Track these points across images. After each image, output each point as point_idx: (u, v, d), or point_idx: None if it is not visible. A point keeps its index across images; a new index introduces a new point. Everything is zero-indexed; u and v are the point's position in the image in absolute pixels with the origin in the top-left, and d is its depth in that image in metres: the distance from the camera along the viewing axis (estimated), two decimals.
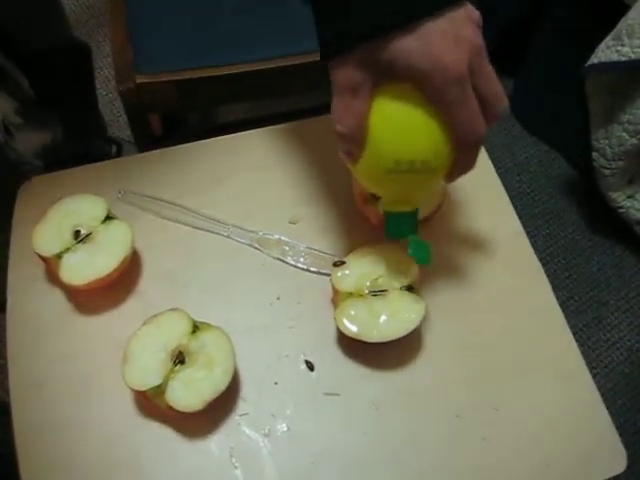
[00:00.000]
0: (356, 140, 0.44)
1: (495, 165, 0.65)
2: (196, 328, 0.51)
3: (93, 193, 0.57)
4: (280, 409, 0.52)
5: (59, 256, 0.54)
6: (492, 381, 0.54)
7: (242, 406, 0.52)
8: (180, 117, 1.31)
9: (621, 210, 1.25)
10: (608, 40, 1.03)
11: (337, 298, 0.54)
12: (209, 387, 0.49)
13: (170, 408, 0.48)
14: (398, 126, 0.44)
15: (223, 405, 0.51)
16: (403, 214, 0.50)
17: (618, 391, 1.20)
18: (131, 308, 0.56)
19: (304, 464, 0.50)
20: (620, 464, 0.51)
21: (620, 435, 0.52)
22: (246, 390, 0.53)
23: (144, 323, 0.51)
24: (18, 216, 0.60)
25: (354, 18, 0.40)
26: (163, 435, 0.51)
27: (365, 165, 0.46)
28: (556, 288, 0.58)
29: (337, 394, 0.53)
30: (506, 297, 0.58)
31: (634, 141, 1.09)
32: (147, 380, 0.48)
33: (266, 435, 0.51)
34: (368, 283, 0.53)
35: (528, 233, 0.61)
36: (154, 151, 0.66)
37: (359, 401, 0.53)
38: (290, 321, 0.56)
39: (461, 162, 0.46)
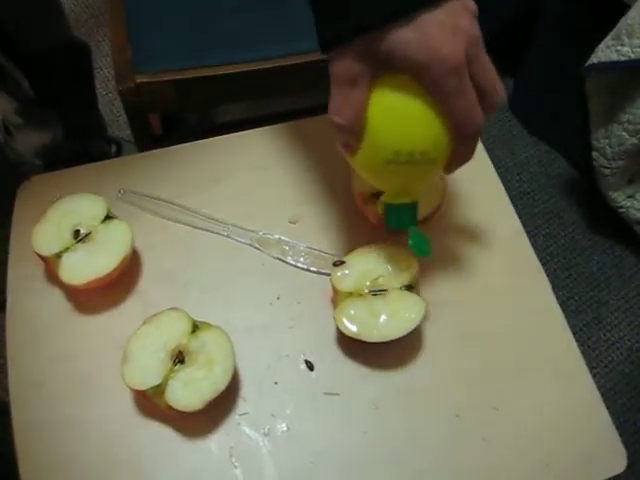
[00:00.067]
0: (354, 131, 0.44)
1: (495, 165, 0.65)
2: (196, 328, 0.51)
3: (93, 193, 0.57)
4: (280, 409, 0.52)
5: (59, 255, 0.54)
6: (492, 381, 0.54)
7: (242, 406, 0.52)
8: (180, 117, 1.31)
9: (621, 210, 1.25)
10: (608, 40, 1.03)
11: (337, 298, 0.54)
12: (209, 387, 0.49)
13: (170, 408, 0.48)
14: (397, 117, 0.44)
15: (223, 405, 0.51)
16: (403, 205, 0.50)
17: (618, 391, 1.20)
18: (131, 308, 0.56)
19: (304, 464, 0.50)
20: (620, 464, 0.51)
21: (620, 435, 0.52)
22: (246, 390, 0.53)
23: (144, 323, 0.51)
24: (18, 215, 0.60)
25: (352, 10, 0.40)
26: (163, 435, 0.51)
27: (364, 157, 0.46)
28: (556, 288, 0.58)
29: (337, 394, 0.53)
30: (506, 297, 0.58)
31: (634, 140, 1.09)
32: (147, 380, 0.48)
33: (266, 435, 0.51)
34: (368, 283, 0.53)
35: (528, 233, 0.61)
36: (154, 151, 0.66)
37: (359, 401, 0.53)
38: (290, 321, 0.56)
39: (460, 153, 0.46)
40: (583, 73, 1.09)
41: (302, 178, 0.64)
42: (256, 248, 0.59)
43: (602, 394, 0.54)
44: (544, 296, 0.59)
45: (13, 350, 0.54)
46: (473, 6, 0.41)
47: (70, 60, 0.98)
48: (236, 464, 0.50)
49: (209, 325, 0.52)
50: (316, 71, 0.85)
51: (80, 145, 1.05)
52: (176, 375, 0.49)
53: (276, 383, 0.53)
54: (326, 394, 0.53)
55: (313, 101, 0.77)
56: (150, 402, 0.49)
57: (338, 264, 0.54)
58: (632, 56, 0.99)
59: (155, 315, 0.52)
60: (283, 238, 0.60)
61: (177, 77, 0.85)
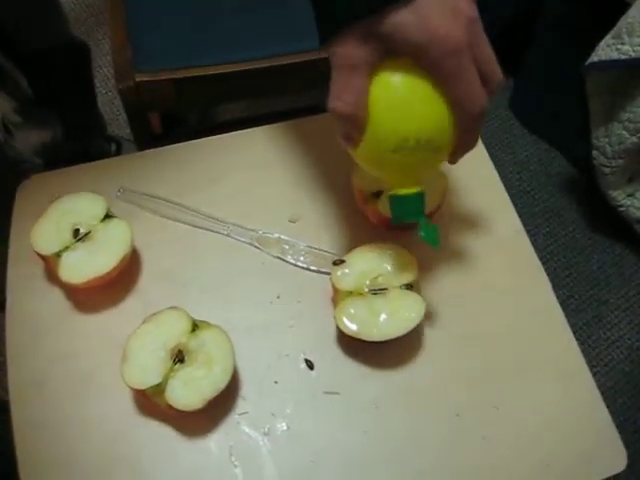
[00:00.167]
0: (356, 119, 0.43)
1: (495, 164, 0.65)
2: (195, 327, 0.51)
3: (92, 191, 0.57)
4: (280, 408, 0.52)
5: (58, 255, 0.54)
6: (492, 380, 0.54)
7: (242, 405, 0.52)
8: (179, 116, 1.31)
9: (621, 208, 1.25)
10: (608, 38, 1.03)
11: (337, 297, 0.54)
12: (209, 386, 0.49)
13: (170, 407, 0.48)
14: (401, 103, 0.43)
15: (223, 404, 0.51)
16: (409, 196, 0.48)
17: (618, 390, 1.20)
18: (130, 307, 0.56)
19: (304, 463, 0.50)
20: (620, 463, 0.51)
21: (620, 434, 0.52)
22: (246, 389, 0.53)
23: (143, 322, 0.51)
24: (17, 214, 0.60)
25: None
26: (163, 434, 0.51)
27: (366, 148, 0.45)
28: (556, 287, 0.58)
29: (337, 393, 0.53)
30: (506, 296, 0.58)
31: (634, 139, 1.09)
32: (146, 379, 0.48)
33: (266, 434, 0.51)
34: (368, 282, 0.53)
35: (528, 231, 0.61)
36: (153, 149, 0.66)
37: (359, 400, 0.53)
38: (290, 320, 0.56)
39: (464, 140, 0.46)
40: (583, 72, 1.09)
41: (302, 177, 0.63)
42: (256, 247, 0.59)
43: (602, 393, 0.54)
44: (544, 295, 0.58)
45: (13, 349, 0.54)
46: None
47: (70, 60, 0.98)
48: (236, 463, 0.50)
49: (209, 324, 0.52)
50: (315, 70, 0.85)
51: (80, 144, 1.05)
52: (176, 374, 0.49)
53: (276, 382, 0.53)
54: (326, 393, 0.53)
55: (312, 100, 0.77)
56: (150, 401, 0.49)
57: (338, 263, 0.54)
58: (632, 55, 0.99)
59: (155, 314, 0.52)
60: (283, 237, 0.60)
61: (177, 76, 0.85)
